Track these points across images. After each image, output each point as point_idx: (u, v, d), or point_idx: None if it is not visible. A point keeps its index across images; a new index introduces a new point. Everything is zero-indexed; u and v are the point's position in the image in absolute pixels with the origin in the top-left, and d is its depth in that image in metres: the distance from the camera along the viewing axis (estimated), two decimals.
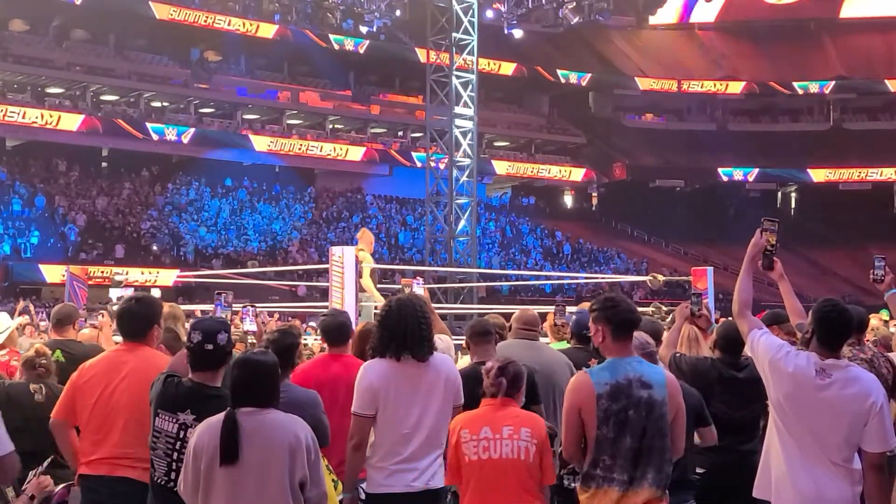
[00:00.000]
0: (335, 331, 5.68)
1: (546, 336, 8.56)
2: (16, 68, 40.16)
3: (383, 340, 4.80)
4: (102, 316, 8.15)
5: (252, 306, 6.51)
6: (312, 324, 16.17)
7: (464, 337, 6.29)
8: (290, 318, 18.04)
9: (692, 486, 5.28)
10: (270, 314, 11.81)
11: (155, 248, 37.16)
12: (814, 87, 56.11)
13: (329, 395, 5.20)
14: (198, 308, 12.45)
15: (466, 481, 4.65)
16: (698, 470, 5.48)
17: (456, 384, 4.91)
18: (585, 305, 7.63)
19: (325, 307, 9.28)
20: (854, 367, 4.40)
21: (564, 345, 7.14)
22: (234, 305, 6.32)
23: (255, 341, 6.56)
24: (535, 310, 7.11)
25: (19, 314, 9.07)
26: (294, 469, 3.92)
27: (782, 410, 4.37)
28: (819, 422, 4.28)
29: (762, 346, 4.48)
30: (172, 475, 4.21)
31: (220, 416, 3.97)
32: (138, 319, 4.89)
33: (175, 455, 4.24)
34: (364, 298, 10.34)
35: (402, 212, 47.26)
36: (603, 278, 32.29)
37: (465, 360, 6.62)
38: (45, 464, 5.14)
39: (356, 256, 9.64)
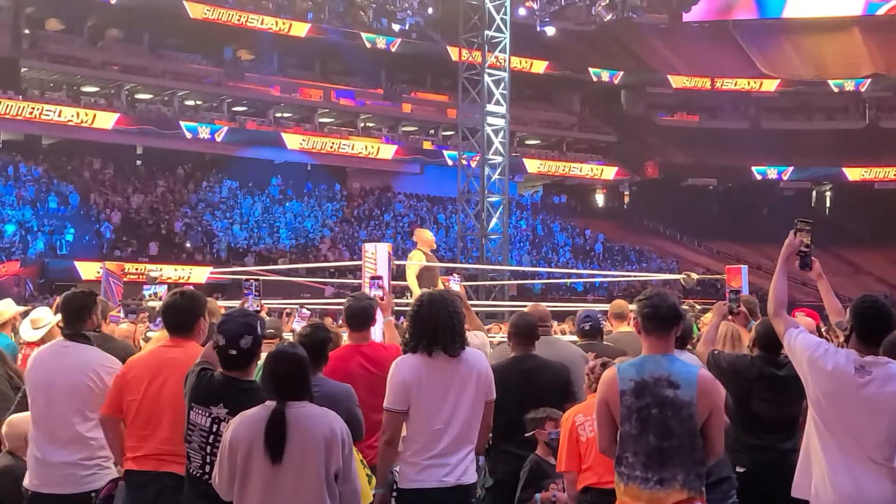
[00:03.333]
0: (357, 315, 5.64)
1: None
2: (52, 67, 40.66)
3: (414, 335, 4.78)
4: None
5: (304, 305, 6.55)
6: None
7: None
8: (321, 316, 18.09)
9: (731, 484, 5.25)
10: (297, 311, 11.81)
11: (188, 245, 37.42)
12: (849, 85, 55.54)
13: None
14: (228, 304, 12.52)
15: (587, 458, 5.05)
16: (738, 469, 5.44)
17: (488, 379, 4.87)
18: (621, 303, 7.60)
19: None
20: (893, 364, 4.33)
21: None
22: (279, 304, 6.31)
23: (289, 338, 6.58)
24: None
25: (56, 311, 9.15)
26: (329, 462, 3.95)
27: (822, 409, 4.33)
28: (859, 420, 4.24)
29: (800, 344, 4.44)
30: (207, 468, 4.24)
31: (256, 410, 3.99)
32: (183, 313, 4.88)
33: (209, 448, 4.26)
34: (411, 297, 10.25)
35: (434, 210, 47.28)
36: (635, 276, 32.08)
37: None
38: None
39: (388, 253, 9.52)
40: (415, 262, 10.19)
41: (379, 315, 5.98)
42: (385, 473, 4.79)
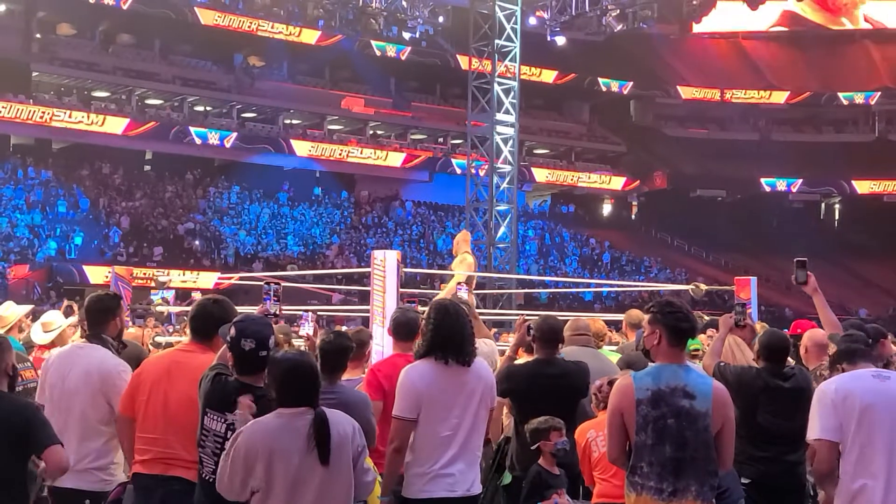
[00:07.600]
0: (402, 327, 5.69)
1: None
2: (63, 72, 40.80)
3: (432, 343, 4.80)
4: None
5: (312, 311, 6.49)
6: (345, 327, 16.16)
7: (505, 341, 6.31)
8: (327, 322, 18.11)
9: (739, 494, 5.25)
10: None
11: (196, 248, 37.47)
12: (859, 98, 55.43)
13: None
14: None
15: (602, 470, 5.15)
16: (744, 480, 5.43)
17: (492, 389, 4.97)
18: (637, 313, 7.51)
19: (366, 311, 9.23)
20: None
21: (607, 352, 7.14)
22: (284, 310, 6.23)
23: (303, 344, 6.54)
24: (569, 317, 7.12)
25: (65, 314, 9.18)
26: (352, 457, 4.01)
27: (859, 430, 4.31)
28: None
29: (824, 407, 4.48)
30: None
31: (272, 418, 3.96)
32: (211, 320, 4.81)
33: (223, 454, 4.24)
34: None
35: (442, 218, 47.29)
36: (643, 286, 32.04)
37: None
38: None
39: (397, 261, 9.37)
40: (462, 269, 9.70)
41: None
42: (393, 482, 4.77)
